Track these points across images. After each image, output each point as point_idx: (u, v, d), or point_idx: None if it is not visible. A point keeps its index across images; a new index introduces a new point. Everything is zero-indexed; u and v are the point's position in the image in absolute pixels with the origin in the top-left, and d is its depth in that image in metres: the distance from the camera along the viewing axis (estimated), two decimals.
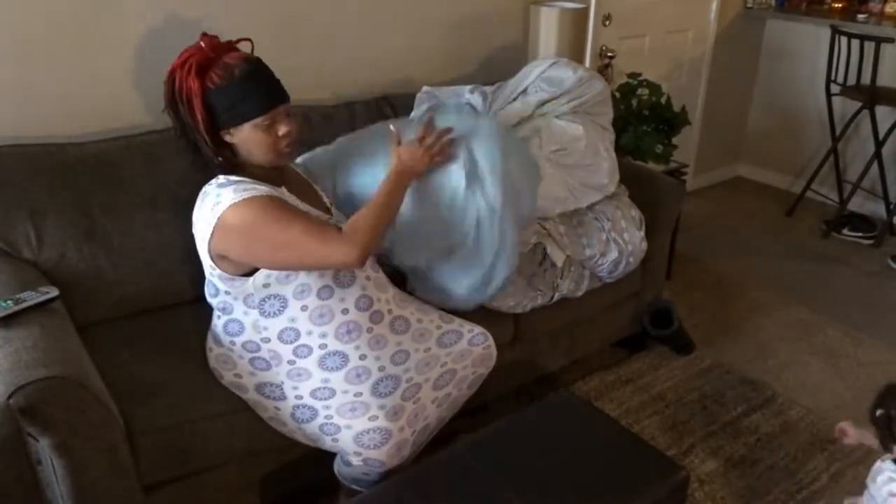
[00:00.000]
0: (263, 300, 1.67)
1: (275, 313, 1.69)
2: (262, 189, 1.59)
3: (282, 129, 1.62)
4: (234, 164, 1.67)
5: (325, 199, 1.86)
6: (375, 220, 1.63)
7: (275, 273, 1.64)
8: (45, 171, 1.90)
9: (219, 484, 1.75)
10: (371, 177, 1.88)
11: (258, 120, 1.59)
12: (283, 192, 1.68)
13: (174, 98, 1.60)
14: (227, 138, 1.62)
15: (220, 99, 1.57)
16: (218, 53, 1.59)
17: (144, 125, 2.17)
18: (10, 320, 1.54)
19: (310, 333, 1.71)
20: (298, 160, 2.02)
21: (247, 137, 1.62)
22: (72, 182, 1.92)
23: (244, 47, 1.67)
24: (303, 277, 1.67)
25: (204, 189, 1.64)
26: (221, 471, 1.73)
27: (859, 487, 2.15)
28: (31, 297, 1.61)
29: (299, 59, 2.43)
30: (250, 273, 1.64)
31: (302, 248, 1.55)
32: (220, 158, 1.64)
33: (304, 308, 1.69)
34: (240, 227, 1.55)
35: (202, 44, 1.60)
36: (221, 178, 1.64)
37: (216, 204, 1.57)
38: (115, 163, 1.99)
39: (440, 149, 1.84)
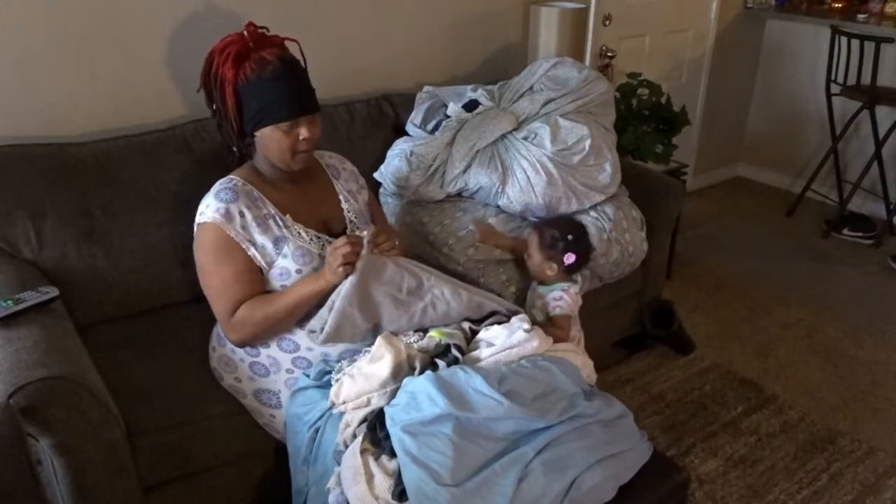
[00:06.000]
0: None
1: None
2: (232, 211, 1.61)
3: (303, 134, 1.62)
4: (248, 156, 1.71)
5: (344, 203, 1.82)
6: (272, 319, 1.62)
7: (267, 289, 1.67)
8: (45, 171, 1.90)
9: (218, 485, 1.74)
10: None
11: (281, 123, 1.60)
12: (287, 221, 1.67)
13: (208, 79, 1.63)
14: (250, 132, 1.64)
15: (249, 94, 1.59)
16: (258, 46, 1.59)
17: (145, 125, 2.17)
18: (10, 320, 1.54)
19: (310, 349, 1.70)
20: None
21: (266, 136, 1.63)
22: (72, 182, 1.92)
23: (291, 48, 1.66)
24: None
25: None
26: (221, 471, 1.73)
27: (859, 487, 2.16)
28: (31, 297, 1.61)
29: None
30: None
31: (212, 298, 1.67)
32: (235, 148, 1.68)
33: (302, 326, 1.69)
34: (196, 246, 1.67)
35: (245, 32, 1.60)
36: (225, 181, 1.67)
37: (200, 213, 1.64)
38: (115, 163, 1.99)
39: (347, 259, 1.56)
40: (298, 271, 1.65)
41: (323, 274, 1.58)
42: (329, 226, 1.75)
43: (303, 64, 1.65)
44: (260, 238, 1.63)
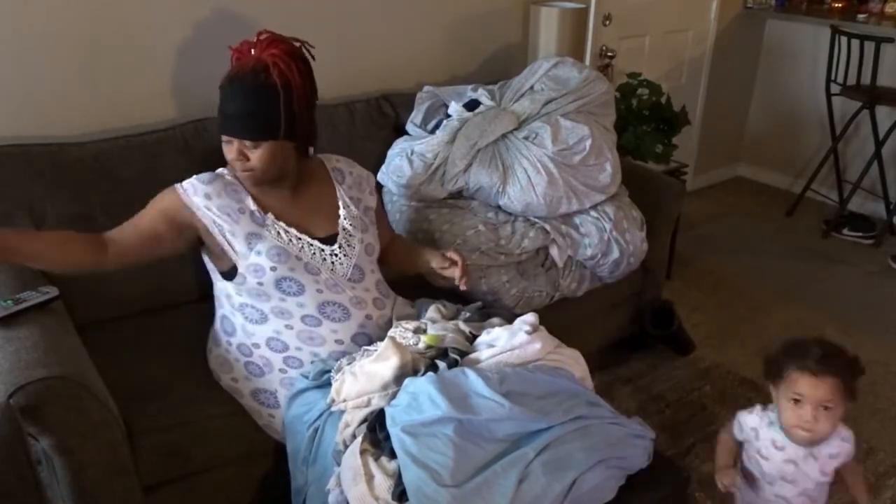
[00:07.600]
0: (243, 305, 1.69)
1: (257, 321, 1.69)
2: (202, 189, 1.64)
3: (231, 153, 1.63)
4: None
5: (342, 209, 1.79)
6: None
7: (245, 287, 1.67)
8: (45, 171, 1.90)
9: (218, 485, 1.74)
10: None
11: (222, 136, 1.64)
12: (267, 219, 1.67)
13: None
14: None
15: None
16: (258, 53, 1.60)
17: (144, 125, 2.17)
18: (10, 320, 1.54)
19: (299, 349, 1.71)
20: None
21: None
22: (72, 182, 1.92)
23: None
24: (276, 301, 1.67)
25: None
26: (221, 471, 1.73)
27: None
28: (32, 297, 1.61)
29: None
30: (227, 275, 1.68)
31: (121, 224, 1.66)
32: None
33: (289, 327, 1.69)
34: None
35: (252, 39, 1.62)
36: (216, 171, 1.70)
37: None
38: (115, 163, 1.99)
39: None
40: (273, 268, 1.64)
41: None
42: (313, 230, 1.73)
43: (280, 84, 1.57)
44: (227, 226, 1.64)
